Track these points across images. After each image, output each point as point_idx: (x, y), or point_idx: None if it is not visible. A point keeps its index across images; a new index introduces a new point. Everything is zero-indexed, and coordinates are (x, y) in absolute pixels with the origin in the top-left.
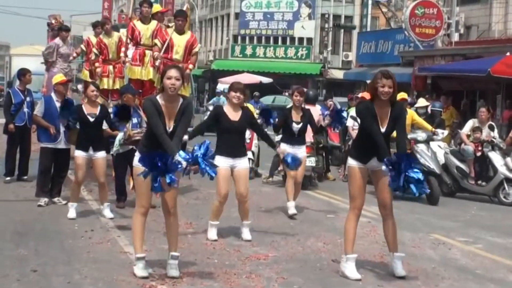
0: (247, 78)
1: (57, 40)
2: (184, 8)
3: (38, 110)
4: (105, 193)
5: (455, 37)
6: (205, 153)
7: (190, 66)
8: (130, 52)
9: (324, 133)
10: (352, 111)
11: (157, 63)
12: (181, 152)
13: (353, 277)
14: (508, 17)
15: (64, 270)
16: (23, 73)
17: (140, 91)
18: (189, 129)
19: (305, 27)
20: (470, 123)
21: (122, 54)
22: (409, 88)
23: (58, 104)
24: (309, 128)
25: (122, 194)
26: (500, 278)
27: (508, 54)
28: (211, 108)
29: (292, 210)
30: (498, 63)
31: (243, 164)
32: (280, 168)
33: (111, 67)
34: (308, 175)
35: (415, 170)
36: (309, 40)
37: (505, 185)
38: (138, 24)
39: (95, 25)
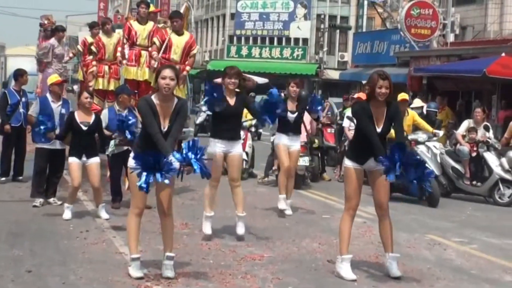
0: None
1: (52, 41)
2: (183, 8)
3: (33, 110)
4: (99, 196)
5: (451, 38)
6: (197, 153)
7: (187, 67)
8: (126, 52)
9: (320, 133)
10: (348, 112)
11: (154, 64)
12: (175, 153)
13: (348, 277)
14: (503, 18)
15: (59, 270)
16: (20, 74)
17: (136, 91)
18: (184, 129)
19: (300, 28)
20: (466, 124)
21: (118, 54)
22: (405, 88)
23: (53, 105)
24: (302, 128)
25: (117, 194)
26: (495, 279)
27: (503, 54)
28: (204, 108)
29: (282, 205)
30: (493, 64)
31: (237, 149)
32: (275, 167)
33: (106, 68)
34: (301, 174)
35: (413, 157)
36: (305, 40)
37: (500, 185)
38: (134, 25)
39: (92, 26)
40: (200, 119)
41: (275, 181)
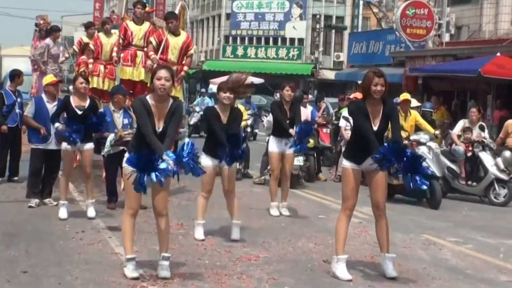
0: None
1: (48, 41)
2: (178, 7)
3: (29, 111)
4: (91, 186)
5: (446, 38)
6: (190, 152)
7: (185, 68)
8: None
9: (315, 133)
10: (344, 112)
11: (151, 64)
12: (169, 152)
13: (344, 277)
14: (498, 18)
15: (55, 271)
16: (17, 74)
17: (131, 92)
18: (181, 130)
19: (296, 28)
20: (461, 124)
21: (114, 54)
22: (400, 88)
23: (49, 105)
24: None
25: (113, 195)
26: (490, 278)
27: (498, 54)
28: (197, 109)
29: (274, 212)
30: (488, 64)
31: None
32: (270, 166)
33: (101, 67)
34: (296, 174)
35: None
36: (300, 40)
37: (496, 185)
38: (130, 25)
39: (87, 26)
40: (194, 119)
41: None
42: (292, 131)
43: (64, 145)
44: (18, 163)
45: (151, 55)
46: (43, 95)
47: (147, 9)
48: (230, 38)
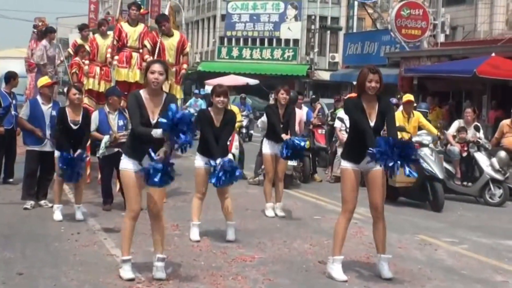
0: (233, 80)
1: (45, 42)
2: (167, 8)
3: (24, 113)
4: (80, 192)
5: (441, 38)
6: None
7: (184, 66)
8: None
9: (311, 134)
10: (339, 113)
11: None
12: (161, 119)
13: (339, 278)
14: (493, 18)
15: (50, 273)
16: (12, 76)
17: (126, 93)
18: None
19: (291, 29)
20: (456, 124)
21: (108, 55)
22: (396, 89)
23: (44, 107)
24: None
25: (108, 196)
26: (486, 278)
27: (493, 54)
28: (192, 110)
29: (270, 213)
30: (483, 64)
31: None
32: (264, 166)
33: (98, 69)
34: (289, 174)
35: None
36: (296, 41)
37: (491, 185)
38: (125, 26)
39: (81, 28)
40: None
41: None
42: (285, 136)
43: (57, 153)
44: (13, 165)
45: (147, 58)
46: (38, 97)
47: (142, 11)
48: (225, 39)
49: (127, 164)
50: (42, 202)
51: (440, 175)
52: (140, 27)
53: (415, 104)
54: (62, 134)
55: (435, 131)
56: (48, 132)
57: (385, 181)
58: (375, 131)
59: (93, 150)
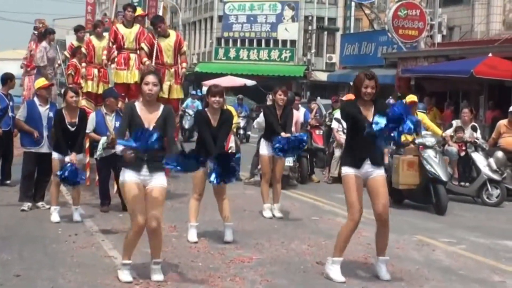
0: (231, 81)
1: (44, 44)
2: (161, 9)
3: (21, 114)
4: (77, 193)
5: (438, 39)
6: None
7: (184, 65)
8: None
9: (308, 135)
10: (337, 113)
11: (144, 68)
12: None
13: (337, 279)
14: (490, 18)
15: (48, 274)
16: (9, 78)
17: (123, 94)
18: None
19: (288, 30)
20: (453, 124)
21: (104, 57)
22: (393, 89)
23: (41, 108)
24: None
25: (105, 198)
26: (483, 279)
27: (490, 55)
28: (190, 112)
29: (267, 213)
30: (480, 64)
31: None
32: (260, 166)
33: (95, 71)
34: (286, 175)
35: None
36: (293, 42)
37: (488, 185)
38: (121, 28)
39: (77, 30)
40: (188, 123)
41: (260, 181)
42: (284, 134)
43: (55, 154)
44: (11, 167)
45: (146, 61)
46: (35, 99)
47: (141, 13)
48: (223, 40)
49: (128, 177)
50: (39, 203)
51: (444, 178)
52: (136, 28)
53: (421, 105)
54: (59, 136)
55: (439, 132)
56: (45, 134)
57: (386, 189)
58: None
59: (92, 152)
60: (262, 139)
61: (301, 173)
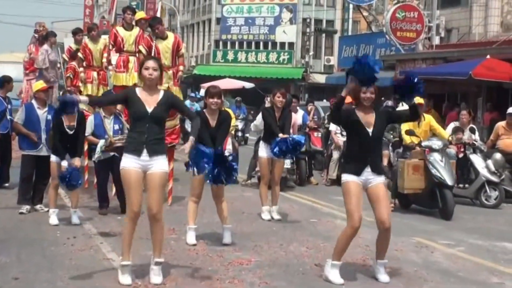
0: (229, 83)
1: (46, 47)
2: (159, 10)
3: (19, 117)
4: (75, 196)
5: (436, 41)
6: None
7: (181, 67)
8: (114, 59)
9: (306, 137)
10: None
11: None
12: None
13: (336, 282)
14: (488, 20)
15: (46, 277)
16: (6, 80)
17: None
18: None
19: (286, 32)
20: (452, 126)
21: (104, 60)
22: (391, 92)
23: (39, 111)
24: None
25: (104, 200)
26: (482, 280)
27: (488, 57)
28: None
29: (266, 216)
30: (479, 66)
31: None
32: (257, 168)
33: (95, 74)
34: (283, 177)
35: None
36: (291, 44)
37: (487, 187)
38: (120, 31)
39: (75, 32)
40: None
41: (257, 183)
42: (282, 135)
43: (53, 157)
44: (9, 170)
45: None
46: (34, 101)
47: (143, 16)
48: (221, 43)
49: (128, 163)
50: (37, 206)
51: (450, 182)
52: (136, 30)
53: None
54: (57, 139)
55: (446, 135)
56: (44, 137)
57: (387, 196)
58: (376, 137)
59: (90, 155)
60: (261, 142)
61: (299, 175)
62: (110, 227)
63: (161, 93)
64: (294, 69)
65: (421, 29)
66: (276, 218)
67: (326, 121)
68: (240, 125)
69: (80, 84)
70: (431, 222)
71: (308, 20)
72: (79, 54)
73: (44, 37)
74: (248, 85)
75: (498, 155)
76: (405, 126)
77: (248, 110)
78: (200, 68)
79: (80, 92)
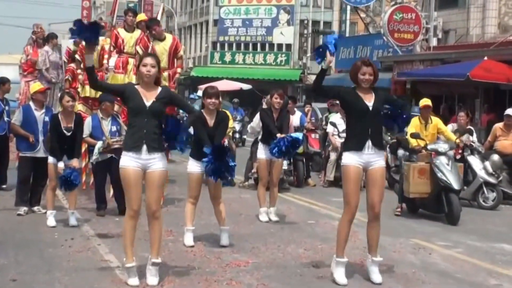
0: (227, 85)
1: (47, 48)
2: (160, 11)
3: (16, 118)
4: (73, 197)
5: (434, 42)
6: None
7: (178, 69)
8: (112, 60)
9: (304, 139)
10: (332, 117)
11: None
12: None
13: (340, 281)
14: (485, 22)
15: (44, 279)
16: (2, 82)
17: (119, 98)
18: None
19: (284, 33)
20: (449, 128)
21: (105, 61)
22: (389, 93)
23: (36, 113)
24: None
25: (102, 202)
26: (480, 282)
27: (486, 58)
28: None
29: (264, 217)
30: (476, 67)
31: None
32: (254, 170)
33: None
34: (280, 178)
35: None
36: (288, 46)
37: (484, 189)
38: (121, 32)
39: None
40: None
41: (254, 185)
42: (280, 135)
43: (51, 158)
44: (6, 171)
45: None
46: (31, 103)
47: (144, 18)
48: (218, 44)
49: (127, 162)
50: (35, 208)
51: (456, 186)
52: (137, 33)
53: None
54: (55, 141)
55: (453, 137)
56: (41, 138)
57: (384, 182)
58: (375, 113)
59: (89, 156)
60: (260, 143)
61: (297, 177)
62: (108, 228)
63: (159, 89)
64: (291, 70)
65: (418, 30)
66: (274, 219)
67: (323, 123)
68: (238, 126)
69: (78, 85)
70: (429, 223)
71: (305, 22)
72: (76, 56)
73: (45, 38)
74: (246, 86)
75: (495, 157)
76: (410, 129)
77: (245, 110)
78: (198, 70)
79: (78, 94)
